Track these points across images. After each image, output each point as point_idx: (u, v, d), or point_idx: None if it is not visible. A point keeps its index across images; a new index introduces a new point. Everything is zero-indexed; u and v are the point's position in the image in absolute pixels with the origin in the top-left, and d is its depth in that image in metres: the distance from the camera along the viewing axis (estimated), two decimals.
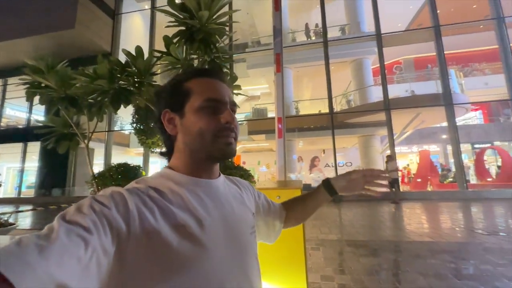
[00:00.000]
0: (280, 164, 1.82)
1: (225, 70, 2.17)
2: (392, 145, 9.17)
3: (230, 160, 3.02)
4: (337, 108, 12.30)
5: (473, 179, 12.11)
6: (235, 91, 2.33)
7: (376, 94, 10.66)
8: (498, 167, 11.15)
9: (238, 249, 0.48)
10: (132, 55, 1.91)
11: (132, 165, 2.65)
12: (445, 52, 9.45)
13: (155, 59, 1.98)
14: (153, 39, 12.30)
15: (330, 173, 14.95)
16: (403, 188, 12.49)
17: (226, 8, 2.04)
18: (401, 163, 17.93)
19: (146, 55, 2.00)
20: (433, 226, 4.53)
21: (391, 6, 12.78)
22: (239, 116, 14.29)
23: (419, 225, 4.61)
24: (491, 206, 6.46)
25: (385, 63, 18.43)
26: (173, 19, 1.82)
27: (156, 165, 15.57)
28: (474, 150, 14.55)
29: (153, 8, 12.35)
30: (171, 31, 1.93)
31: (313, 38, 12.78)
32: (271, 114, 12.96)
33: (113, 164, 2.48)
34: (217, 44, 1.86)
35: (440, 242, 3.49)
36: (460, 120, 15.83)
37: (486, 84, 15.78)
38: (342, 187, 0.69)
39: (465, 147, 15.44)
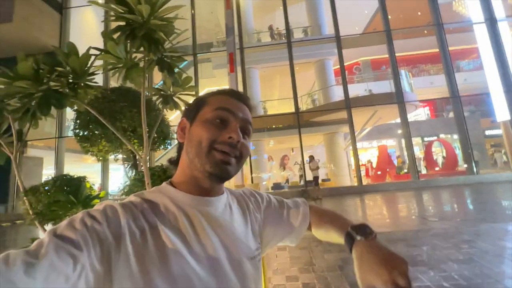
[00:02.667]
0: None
1: (176, 70, 2.02)
2: (353, 141, 9.73)
3: None
4: (303, 107, 12.69)
5: (424, 170, 13.43)
6: (188, 92, 2.20)
7: (338, 93, 11.21)
8: (443, 157, 12.48)
9: (234, 276, 0.43)
10: (63, 52, 1.68)
11: (75, 176, 2.36)
12: (396, 55, 10.30)
13: (93, 57, 1.76)
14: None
15: (297, 171, 15.26)
16: (366, 181, 13.35)
17: (175, 4, 1.90)
18: (364, 157, 19.23)
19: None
20: (390, 216, 4.87)
21: (349, 11, 13.56)
22: None
23: (378, 217, 4.92)
24: (439, 194, 7.18)
25: (346, 64, 19.50)
26: (112, 13, 1.63)
27: (118, 172, 14.47)
28: (424, 143, 16.12)
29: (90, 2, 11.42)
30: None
31: (278, 39, 13.00)
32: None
33: (48, 177, 2.17)
34: (165, 43, 1.71)
35: (395, 231, 3.74)
36: (411, 116, 17.49)
37: (432, 83, 17.64)
38: (359, 267, 0.41)
39: (416, 140, 17.07)
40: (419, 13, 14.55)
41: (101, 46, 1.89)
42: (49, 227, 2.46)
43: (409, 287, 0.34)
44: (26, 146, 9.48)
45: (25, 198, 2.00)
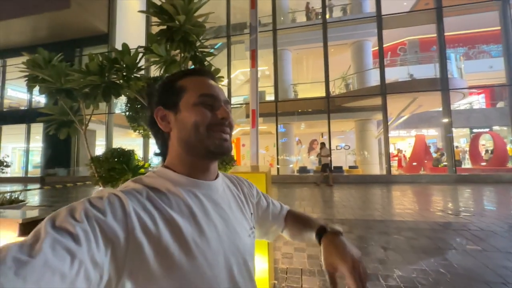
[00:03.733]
0: (253, 151, 2.07)
1: (206, 64, 2.35)
2: (385, 130, 9.34)
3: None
4: (336, 91, 12.31)
5: (468, 164, 12.35)
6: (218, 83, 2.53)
7: (375, 78, 10.61)
8: (491, 151, 11.31)
9: (238, 252, 0.47)
10: (119, 52, 2.10)
11: (126, 149, 2.92)
12: (451, 33, 9.26)
13: (140, 54, 2.16)
14: (149, 22, 12.07)
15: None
16: (398, 171, 12.82)
17: (205, 9, 2.18)
18: (401, 146, 18.16)
19: (142, 35, 2.18)
20: (408, 207, 4.86)
21: None
22: (238, 99, 14.32)
23: (397, 206, 4.94)
24: (472, 190, 6.76)
25: (390, 44, 17.90)
26: (157, 19, 1.99)
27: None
28: (472, 134, 14.63)
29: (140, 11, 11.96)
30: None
31: (314, 19, 12.45)
32: (269, 97, 13.01)
33: (108, 149, 2.75)
34: (197, 43, 2.03)
35: (408, 221, 3.82)
36: (461, 104, 15.81)
37: (491, 67, 15.49)
38: (325, 252, 0.51)
39: (464, 131, 15.54)
40: None
41: (143, 31, 2.27)
42: (108, 188, 3.13)
43: (363, 272, 0.45)
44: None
45: (92, 164, 2.60)
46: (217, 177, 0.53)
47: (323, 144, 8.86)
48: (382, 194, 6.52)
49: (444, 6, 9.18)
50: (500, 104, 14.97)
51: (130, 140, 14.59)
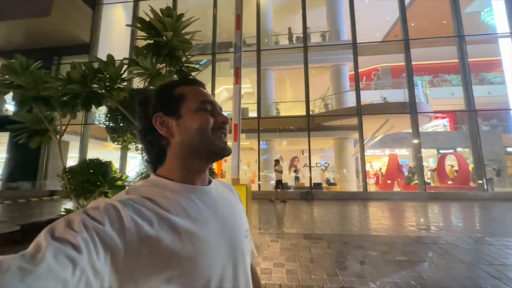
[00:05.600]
0: (234, 164, 2.11)
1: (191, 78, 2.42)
2: (362, 148, 9.81)
3: None
4: (316, 110, 12.87)
5: (436, 182, 13.17)
6: None
7: (352, 99, 11.28)
8: (456, 171, 12.20)
9: (236, 253, 0.48)
10: (104, 62, 2.11)
11: (103, 160, 2.83)
12: (418, 63, 10.22)
13: (125, 66, 2.19)
14: (135, 34, 12.10)
15: (306, 172, 15.49)
16: (374, 188, 13.34)
17: (196, 25, 2.28)
18: (376, 164, 19.04)
19: (126, 47, 2.21)
20: (383, 222, 5.06)
21: (370, 17, 13.53)
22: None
23: (372, 221, 5.12)
24: (441, 206, 7.20)
25: (365, 69, 19.28)
26: (144, 34, 2.05)
27: (135, 160, 15.35)
28: (439, 155, 15.75)
29: (127, 25, 12.14)
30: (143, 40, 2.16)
31: (296, 42, 13.20)
32: (252, 114, 13.26)
33: (84, 159, 2.65)
34: (183, 58, 2.11)
35: (382, 235, 3.97)
36: (429, 127, 17.11)
37: (453, 94, 17.13)
38: None
39: (432, 152, 16.71)
40: (444, 22, 14.19)
41: (127, 43, 2.30)
42: (81, 201, 2.97)
43: None
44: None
45: (64, 175, 2.48)
46: (210, 182, 0.54)
47: (277, 161, 8.91)
48: (359, 210, 6.73)
49: (411, 38, 10.21)
50: (465, 128, 16.36)
51: (106, 153, 13.93)
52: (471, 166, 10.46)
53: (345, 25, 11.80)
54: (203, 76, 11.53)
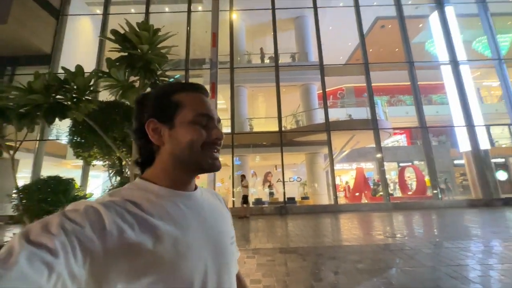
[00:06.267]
0: (210, 178, 2.09)
1: None
2: (331, 162, 10.29)
3: None
4: (287, 126, 13.32)
5: (399, 193, 14.17)
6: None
7: (321, 116, 11.95)
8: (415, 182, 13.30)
9: (221, 258, 0.47)
10: (71, 73, 2.02)
11: (64, 178, 2.60)
12: (377, 84, 11.27)
13: (95, 77, 2.11)
14: (103, 46, 11.68)
15: (280, 188, 15.70)
16: (344, 201, 13.87)
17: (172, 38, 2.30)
18: (344, 178, 19.95)
19: (93, 59, 2.12)
20: (354, 232, 5.27)
21: (335, 41, 14.79)
22: None
23: (344, 232, 5.31)
24: (404, 215, 7.73)
25: (331, 89, 20.63)
26: (116, 45, 2.01)
27: (98, 179, 14.19)
28: (399, 168, 17.09)
29: (100, 37, 11.85)
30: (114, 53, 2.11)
31: (267, 61, 13.82)
32: (226, 130, 13.28)
33: (42, 177, 2.41)
34: (158, 72, 2.10)
35: (354, 245, 4.13)
36: (389, 142, 18.63)
37: (407, 113, 19.04)
38: None
39: (393, 165, 18.09)
40: (396, 49, 16.04)
41: (94, 54, 2.22)
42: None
43: None
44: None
45: (17, 195, 2.21)
46: (195, 188, 0.53)
47: (243, 176, 8.88)
48: (331, 222, 6.93)
49: (370, 62, 11.31)
50: (419, 143, 18.07)
51: (65, 171, 12.66)
52: (426, 178, 11.49)
53: (313, 48, 12.72)
54: None
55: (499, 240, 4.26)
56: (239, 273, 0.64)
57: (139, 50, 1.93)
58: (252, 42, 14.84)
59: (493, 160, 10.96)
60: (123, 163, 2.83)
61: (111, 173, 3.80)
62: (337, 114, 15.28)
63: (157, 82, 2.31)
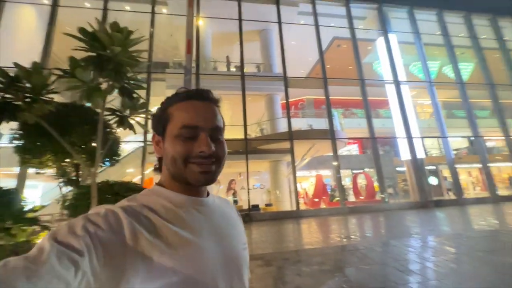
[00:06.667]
0: None
1: (135, 96, 2.30)
2: (294, 170, 10.76)
3: (132, 182, 2.98)
4: (252, 135, 13.55)
5: (352, 198, 15.41)
6: (142, 116, 2.47)
7: (284, 125, 12.47)
8: (366, 188, 14.64)
9: (233, 263, 0.48)
10: (26, 70, 1.81)
11: (4, 188, 2.26)
12: (333, 97, 12.27)
13: (54, 76, 1.93)
14: (50, 40, 10.48)
15: (243, 195, 15.72)
16: (304, 207, 14.48)
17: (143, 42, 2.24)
18: (305, 185, 20.92)
19: (35, 54, 1.91)
20: (315, 236, 5.59)
21: (297, 56, 15.73)
22: None
23: (306, 236, 5.58)
24: (357, 218, 8.46)
25: (293, 99, 21.65)
26: (82, 44, 1.88)
27: (36, 190, 12.38)
28: (352, 175, 18.61)
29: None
30: (77, 52, 1.96)
31: (233, 70, 14.00)
32: None
33: None
34: (128, 74, 2.02)
35: (316, 248, 4.39)
36: (344, 151, 20.25)
37: (359, 124, 21.04)
38: None
39: (347, 172, 19.66)
40: (350, 67, 17.76)
41: (38, 47, 2.00)
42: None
43: None
44: None
45: None
46: (208, 195, 0.54)
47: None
48: (294, 228, 7.20)
49: (328, 77, 12.32)
50: (369, 152, 20.01)
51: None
52: (376, 184, 12.77)
53: (277, 60, 13.32)
54: None
55: (433, 236, 4.97)
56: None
57: (109, 52, 1.84)
58: (218, 49, 14.89)
59: (426, 168, 12.76)
60: (80, 171, 2.58)
61: (60, 183, 3.40)
62: (299, 124, 16.13)
63: (127, 85, 2.21)
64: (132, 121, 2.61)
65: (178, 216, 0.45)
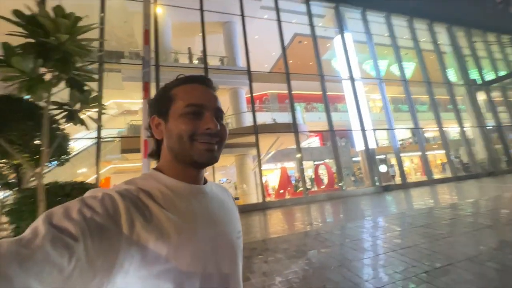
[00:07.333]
0: None
1: (87, 88, 2.11)
2: (259, 163, 10.98)
3: (86, 182, 2.76)
4: None
5: (315, 187, 16.37)
6: (95, 110, 2.29)
7: (249, 119, 12.57)
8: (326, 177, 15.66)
9: (226, 250, 0.48)
10: None
11: None
12: (295, 92, 12.71)
13: None
14: None
15: None
16: (270, 198, 14.94)
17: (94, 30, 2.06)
18: (270, 177, 21.51)
19: None
20: (280, 225, 5.86)
21: (261, 50, 15.85)
22: (111, 131, 12.54)
23: (272, 226, 5.82)
24: (319, 206, 9.07)
25: (257, 94, 21.83)
26: (20, 29, 1.66)
27: None
28: (314, 165, 19.68)
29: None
30: (12, 38, 1.71)
31: (196, 62, 13.54)
32: None
33: None
34: (77, 65, 1.84)
35: (282, 236, 4.62)
36: (306, 144, 21.26)
37: (320, 118, 22.24)
38: None
39: (309, 163, 20.75)
40: (311, 63, 18.55)
41: None
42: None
43: None
44: None
45: None
46: (205, 182, 0.55)
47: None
48: (260, 219, 7.42)
49: (290, 72, 12.72)
50: (329, 144, 21.29)
51: None
52: (335, 173, 13.75)
53: (241, 54, 13.26)
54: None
55: (382, 216, 5.60)
56: None
57: (54, 39, 1.65)
58: (179, 40, 14.21)
59: (377, 157, 14.16)
60: (24, 171, 2.28)
61: None
62: (263, 118, 16.41)
63: (76, 77, 2.02)
64: (83, 116, 2.39)
65: (174, 202, 0.45)
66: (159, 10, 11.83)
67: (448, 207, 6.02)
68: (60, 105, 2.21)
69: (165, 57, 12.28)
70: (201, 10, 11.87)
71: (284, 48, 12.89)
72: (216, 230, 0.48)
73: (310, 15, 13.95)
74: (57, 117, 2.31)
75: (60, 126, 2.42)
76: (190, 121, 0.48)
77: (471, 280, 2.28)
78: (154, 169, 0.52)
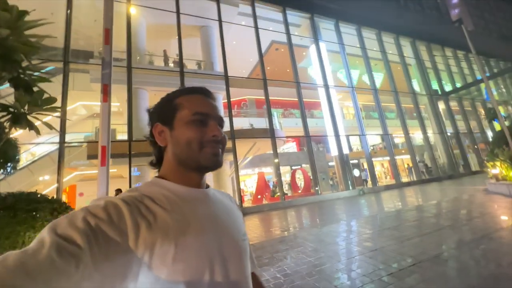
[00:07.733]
0: (102, 192, 1.81)
1: (37, 90, 1.92)
2: (236, 169, 10.87)
3: (41, 194, 2.50)
4: None
5: (291, 192, 16.57)
6: (49, 113, 2.08)
7: (226, 124, 12.45)
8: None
9: (230, 252, 0.48)
10: None
11: None
12: (272, 98, 12.86)
13: None
14: None
15: None
16: (248, 203, 14.83)
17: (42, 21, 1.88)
18: (248, 183, 21.41)
19: None
20: (256, 231, 5.80)
21: (238, 56, 15.90)
22: (78, 136, 11.77)
23: (248, 233, 5.74)
24: (295, 211, 9.15)
25: (235, 99, 21.81)
26: None
27: None
28: (291, 170, 19.95)
29: None
30: None
31: (171, 65, 13.20)
32: (121, 136, 11.57)
33: None
34: (23, 63, 1.65)
35: (256, 243, 4.55)
36: (283, 149, 21.56)
37: (296, 124, 22.75)
38: None
39: (286, 168, 21.02)
40: (288, 70, 18.99)
41: None
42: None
43: None
44: None
45: None
46: (207, 187, 0.57)
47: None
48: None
49: (267, 79, 12.88)
50: (305, 149, 21.77)
51: None
52: (311, 178, 14.04)
53: (218, 58, 13.18)
54: (50, 87, 8.98)
55: (355, 220, 5.78)
56: (257, 272, 0.69)
57: None
58: (154, 43, 13.78)
59: (351, 161, 14.73)
60: None
61: None
62: (241, 123, 16.38)
63: (21, 76, 1.83)
64: (35, 120, 2.17)
65: (179, 205, 0.47)
66: (133, 11, 11.41)
67: (413, 209, 6.38)
68: (4, 107, 1.97)
69: (139, 58, 11.83)
70: (178, 12, 11.66)
71: (261, 55, 13.06)
72: (221, 232, 0.49)
73: (286, 23, 14.32)
74: (1, 120, 2.06)
75: (6, 130, 2.16)
76: (198, 128, 0.51)
77: (433, 279, 2.39)
78: (157, 177, 0.53)
